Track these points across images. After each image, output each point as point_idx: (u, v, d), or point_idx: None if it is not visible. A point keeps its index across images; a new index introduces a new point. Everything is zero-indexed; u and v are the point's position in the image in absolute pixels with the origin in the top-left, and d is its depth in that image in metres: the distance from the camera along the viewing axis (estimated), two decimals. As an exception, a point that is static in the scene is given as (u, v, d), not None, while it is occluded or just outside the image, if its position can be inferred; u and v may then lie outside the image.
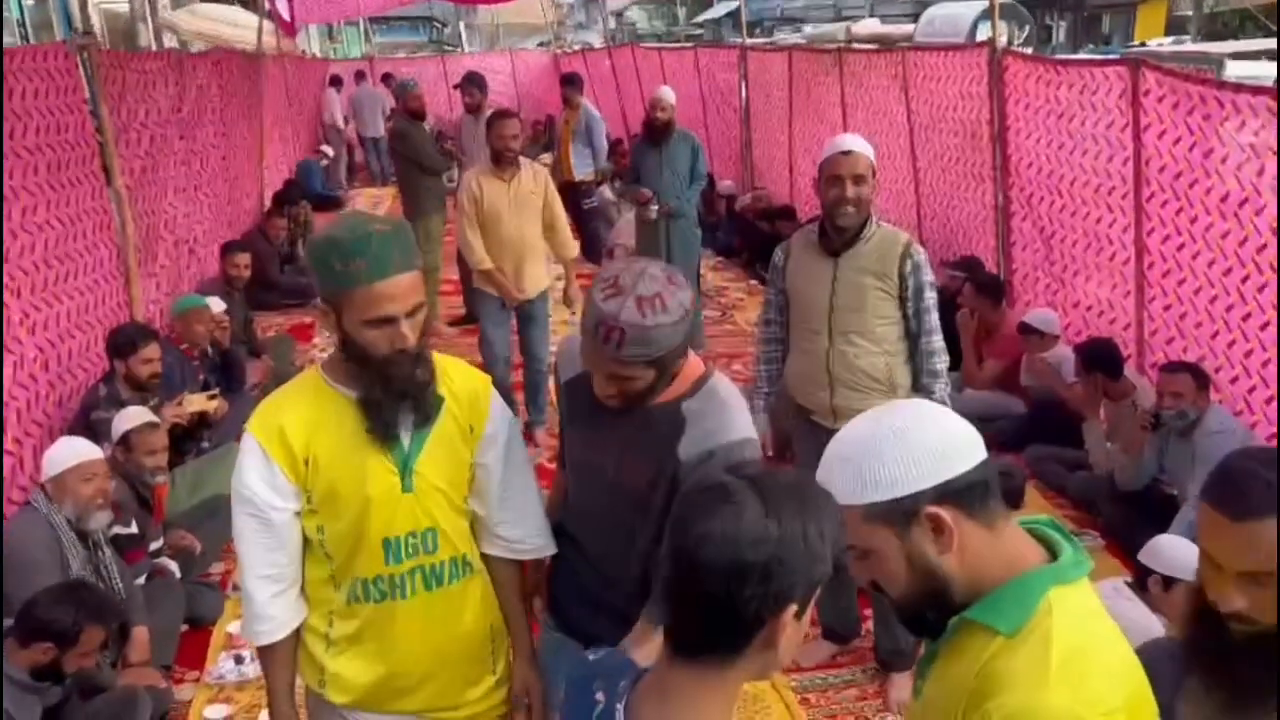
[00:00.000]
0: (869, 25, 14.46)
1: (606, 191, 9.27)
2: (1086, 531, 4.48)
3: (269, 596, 1.89)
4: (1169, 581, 3.05)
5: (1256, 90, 4.32)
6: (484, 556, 2.04)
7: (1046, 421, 5.20)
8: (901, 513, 1.24)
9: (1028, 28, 15.17)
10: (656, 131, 6.52)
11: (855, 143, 3.17)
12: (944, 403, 3.29)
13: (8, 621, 2.96)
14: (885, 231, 3.22)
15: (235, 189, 8.64)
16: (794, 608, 1.13)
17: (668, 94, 6.62)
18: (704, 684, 1.16)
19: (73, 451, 3.54)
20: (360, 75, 15.83)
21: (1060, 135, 5.60)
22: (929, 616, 1.30)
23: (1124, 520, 4.34)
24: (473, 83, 7.47)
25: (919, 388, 3.24)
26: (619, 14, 45.83)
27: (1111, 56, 5.38)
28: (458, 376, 1.97)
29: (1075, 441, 4.94)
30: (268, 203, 9.09)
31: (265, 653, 1.96)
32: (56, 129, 4.78)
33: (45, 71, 4.74)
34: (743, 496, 1.12)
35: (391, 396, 1.82)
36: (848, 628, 3.75)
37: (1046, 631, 1.19)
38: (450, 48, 33.27)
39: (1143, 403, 4.56)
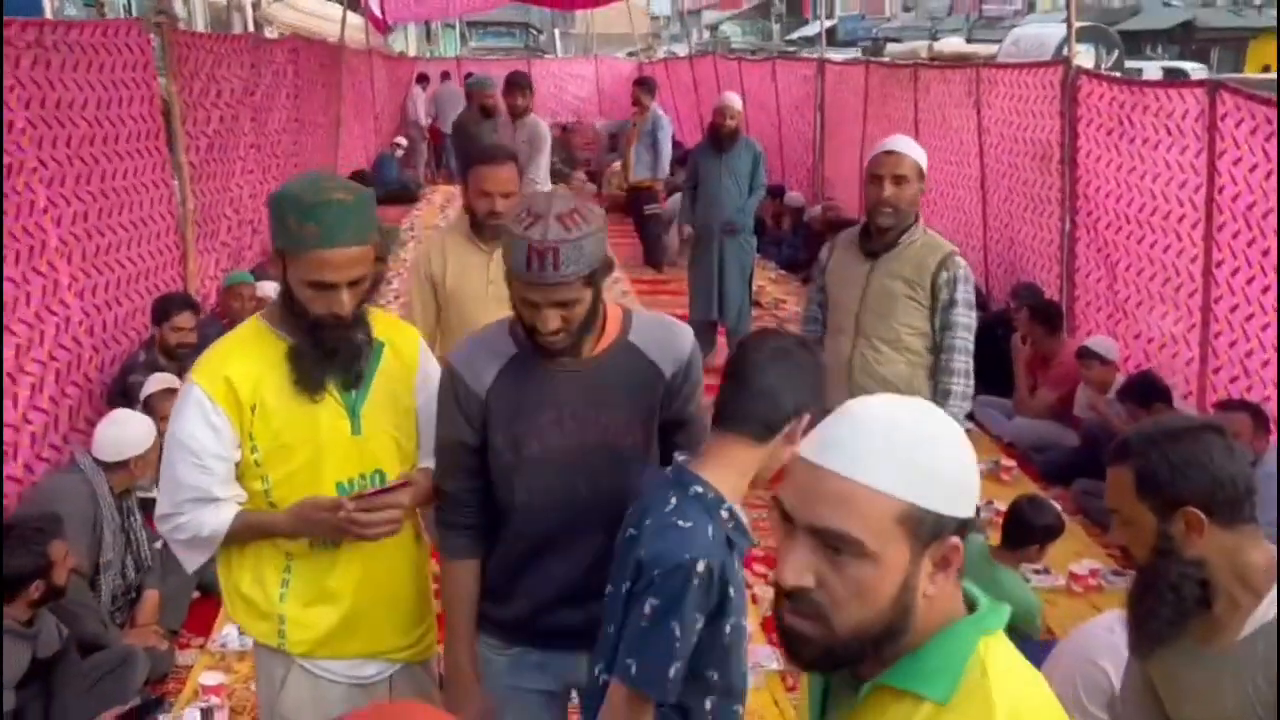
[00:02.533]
0: (953, 44, 14.19)
1: (674, 204, 9.24)
2: (1131, 573, 4.25)
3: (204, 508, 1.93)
4: None
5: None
6: None
7: (1098, 455, 4.95)
8: (934, 531, 1.02)
9: (1116, 52, 14.69)
10: (721, 138, 6.45)
11: (902, 144, 3.10)
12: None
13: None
14: (929, 239, 3.14)
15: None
16: (809, 417, 1.63)
17: (734, 100, 6.55)
18: (736, 447, 1.66)
19: (145, 435, 3.63)
20: (446, 74, 16.08)
21: (1132, 159, 5.36)
22: (864, 655, 1.06)
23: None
24: (515, 84, 6.70)
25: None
26: (713, 28, 45.95)
27: (1190, 80, 5.13)
28: (395, 325, 2.09)
29: (1126, 479, 4.71)
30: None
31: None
32: (121, 102, 4.92)
33: (116, 46, 4.89)
34: (792, 340, 1.74)
35: (319, 353, 1.88)
36: None
37: (986, 696, 1.01)
38: (544, 54, 33.67)
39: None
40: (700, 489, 1.64)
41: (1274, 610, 1.56)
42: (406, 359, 2.05)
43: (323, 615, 2.00)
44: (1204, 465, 1.58)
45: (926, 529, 1.02)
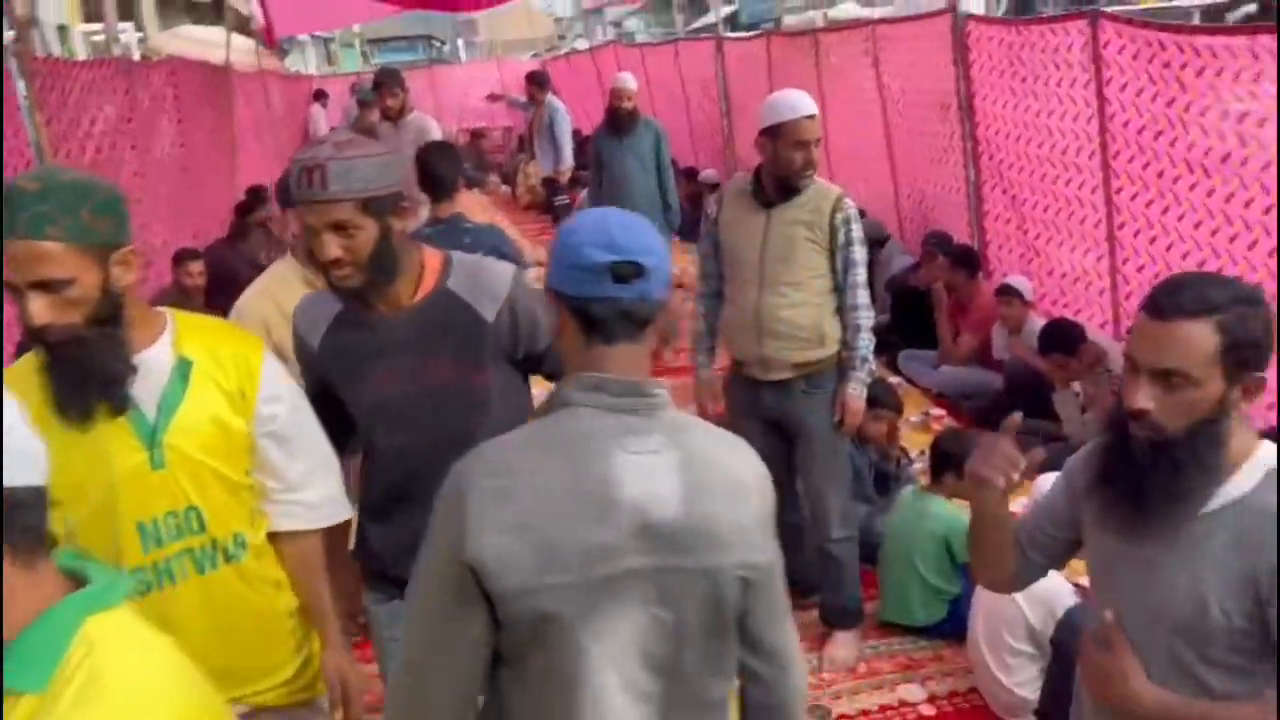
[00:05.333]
0: (847, 9, 14.29)
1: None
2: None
3: None
4: None
5: (1218, 31, 4.10)
6: (276, 535, 1.85)
7: (1022, 394, 4.97)
8: None
9: (1004, 1, 14.94)
10: (620, 120, 6.35)
11: (813, 105, 3.13)
12: (866, 359, 3.22)
13: None
14: (818, 185, 3.19)
15: (200, 200, 8.52)
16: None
17: (628, 81, 6.45)
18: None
19: None
20: (355, 87, 15.81)
21: (1027, 98, 5.39)
22: None
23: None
24: (384, 84, 6.15)
25: (844, 342, 3.22)
26: (617, 23, 45.91)
27: (1072, 12, 5.17)
28: (221, 338, 1.80)
29: (1053, 414, 4.74)
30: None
31: None
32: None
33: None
34: None
35: (62, 374, 1.59)
36: (800, 585, 3.57)
37: (92, 669, 0.98)
38: (449, 64, 33.31)
39: (1115, 369, 4.34)
40: None
41: (1246, 488, 1.48)
42: (232, 375, 1.76)
43: None
44: (1270, 333, 1.48)
45: None
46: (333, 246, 1.78)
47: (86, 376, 1.60)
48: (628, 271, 1.31)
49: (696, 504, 1.31)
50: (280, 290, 2.60)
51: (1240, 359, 1.44)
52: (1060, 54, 4.98)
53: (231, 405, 1.75)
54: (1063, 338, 4.56)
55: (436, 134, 6.33)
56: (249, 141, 11.33)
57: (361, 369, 1.92)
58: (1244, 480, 1.50)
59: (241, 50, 13.34)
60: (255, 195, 9.19)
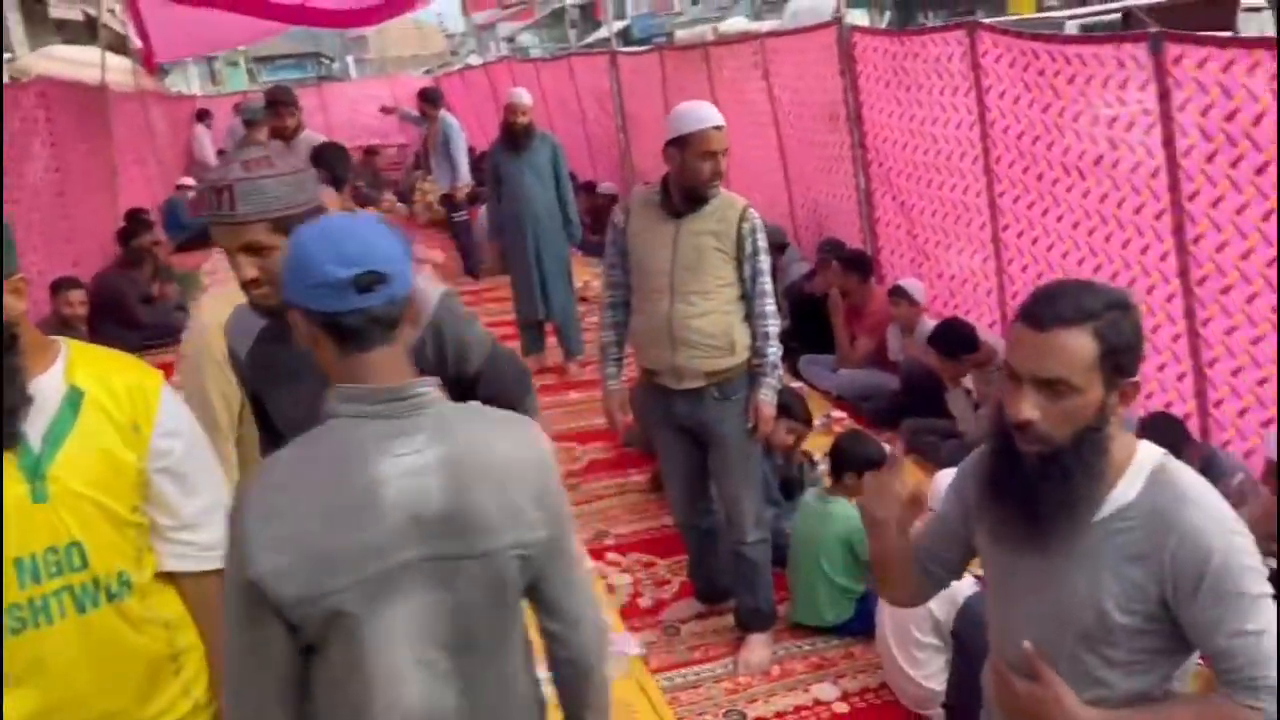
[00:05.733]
0: (737, 23, 14.57)
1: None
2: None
3: None
4: None
5: (1086, 40, 4.31)
6: (177, 575, 1.76)
7: (918, 394, 5.12)
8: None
9: (888, 13, 15.44)
10: (515, 136, 6.33)
11: (720, 116, 3.17)
12: (776, 365, 3.27)
13: None
14: (725, 195, 3.23)
15: (78, 226, 8.17)
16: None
17: (523, 95, 6.44)
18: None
19: None
20: (238, 107, 15.38)
21: (911, 107, 5.57)
22: None
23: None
24: (278, 102, 5.96)
25: (754, 349, 3.26)
26: (511, 39, 45.80)
27: (951, 23, 5.38)
28: (116, 369, 1.70)
29: (948, 412, 4.89)
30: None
31: None
32: None
33: None
34: None
35: None
36: (716, 590, 3.73)
37: None
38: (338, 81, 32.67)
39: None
40: None
41: (1132, 492, 1.49)
42: (125, 407, 1.67)
43: (15, 707, 1.64)
44: (1141, 337, 1.51)
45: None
46: (248, 267, 1.77)
47: None
48: (370, 281, 1.37)
49: (463, 495, 1.40)
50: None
51: (1117, 364, 1.46)
52: (942, 64, 5.17)
53: (123, 438, 1.66)
54: (953, 337, 4.70)
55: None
56: (129, 165, 10.91)
57: (281, 385, 1.89)
58: (1129, 485, 1.51)
59: (118, 70, 12.83)
60: (137, 219, 8.84)
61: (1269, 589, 1.44)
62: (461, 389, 2.04)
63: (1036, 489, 1.49)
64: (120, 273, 7.84)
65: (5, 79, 13.85)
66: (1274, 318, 3.52)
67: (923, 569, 1.79)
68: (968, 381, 4.73)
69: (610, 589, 4.05)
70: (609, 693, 1.68)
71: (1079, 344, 1.44)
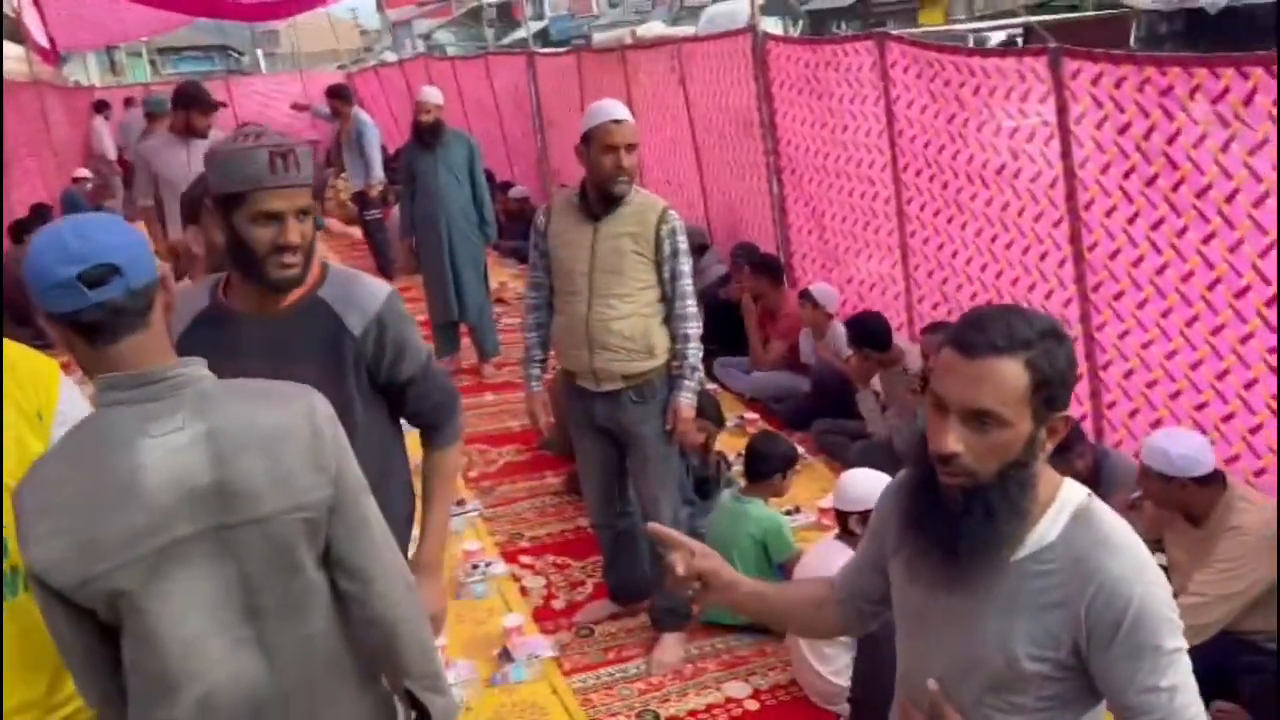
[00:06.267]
0: (654, 28, 14.66)
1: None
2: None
3: None
4: (866, 516, 3.04)
5: (989, 54, 4.46)
6: None
7: (828, 396, 5.22)
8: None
9: (800, 22, 15.72)
10: (425, 133, 6.26)
11: (623, 110, 3.16)
12: (695, 368, 3.30)
13: None
14: (644, 197, 3.24)
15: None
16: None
17: (431, 94, 6.37)
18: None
19: None
20: (129, 100, 14.84)
21: (823, 114, 5.68)
22: None
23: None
24: (190, 99, 5.37)
25: (674, 351, 3.28)
26: (427, 36, 45.16)
27: (859, 34, 5.50)
28: (19, 357, 1.69)
29: (858, 413, 4.99)
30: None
31: None
32: None
33: None
34: None
35: None
36: (631, 591, 3.73)
37: None
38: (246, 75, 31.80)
39: (912, 368, 4.62)
40: None
41: (1053, 533, 1.42)
42: (30, 396, 1.68)
43: None
44: (1074, 370, 1.42)
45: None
46: (296, 231, 1.83)
47: None
48: (99, 275, 1.39)
49: (230, 466, 1.44)
50: None
51: (1049, 397, 1.37)
52: (853, 73, 5.28)
53: (30, 427, 1.66)
54: (868, 329, 4.73)
55: None
56: (23, 157, 10.45)
57: (220, 368, 1.84)
58: (1051, 525, 1.43)
59: (12, 58, 12.29)
60: (39, 213, 8.56)
61: (1184, 643, 1.39)
62: (389, 395, 2.03)
63: (957, 525, 1.41)
64: (16, 269, 7.51)
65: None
66: (1162, 322, 3.69)
67: (854, 608, 1.72)
68: (876, 384, 4.84)
69: (524, 591, 4.03)
70: (431, 655, 1.69)
71: (1010, 374, 1.35)
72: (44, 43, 13.48)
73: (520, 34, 37.01)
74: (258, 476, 1.46)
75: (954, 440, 1.37)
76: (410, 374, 2.03)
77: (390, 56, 19.35)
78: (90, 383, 1.49)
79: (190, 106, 5.39)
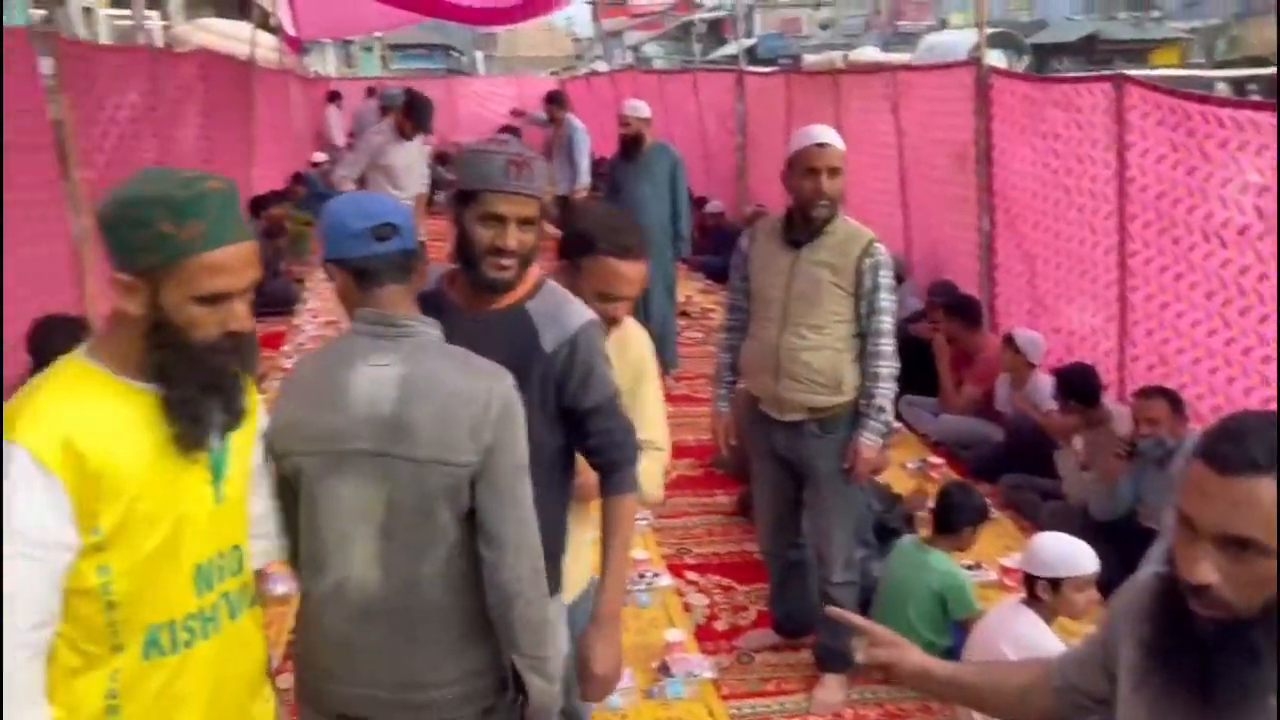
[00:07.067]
0: (868, 53, 14.42)
1: None
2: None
3: (31, 661, 1.44)
4: (1056, 584, 2.89)
5: (1243, 105, 4.14)
6: None
7: (1023, 449, 4.98)
8: None
9: (1026, 58, 15.08)
10: (625, 145, 6.40)
11: (829, 134, 3.13)
12: (883, 409, 3.19)
13: None
14: (850, 227, 3.18)
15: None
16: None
17: (635, 106, 6.51)
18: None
19: None
20: (371, 91, 15.86)
21: (1046, 155, 5.43)
22: None
23: (1098, 553, 4.11)
24: (423, 110, 6.57)
25: (863, 389, 3.19)
26: (635, 48, 46.18)
27: (1095, 75, 5.23)
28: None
29: (1053, 471, 4.73)
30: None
31: None
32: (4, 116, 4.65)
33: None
34: None
35: (206, 391, 1.52)
36: (796, 624, 3.68)
37: None
38: (466, 75, 33.44)
39: (1120, 431, 4.34)
40: None
41: None
42: (253, 408, 1.73)
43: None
44: None
45: None
46: (515, 238, 1.94)
47: (236, 382, 1.60)
48: (386, 231, 1.79)
49: (408, 407, 1.70)
50: None
51: None
52: (1084, 114, 5.02)
53: (250, 435, 1.72)
54: (1082, 382, 4.46)
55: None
56: (266, 141, 11.34)
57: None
58: None
59: (265, 47, 13.38)
60: (275, 192, 9.20)
61: None
62: (572, 423, 2.02)
63: (1213, 663, 1.24)
64: (263, 242, 8.17)
65: (159, 44, 14.57)
66: None
67: (1071, 700, 1.57)
68: (1077, 443, 4.57)
69: (687, 608, 4.04)
70: (542, 640, 1.81)
71: (1275, 496, 1.17)
72: (292, 32, 14.61)
73: (727, 49, 37.29)
74: (424, 423, 1.69)
75: (1208, 569, 1.21)
76: (595, 402, 2.00)
77: (601, 66, 19.94)
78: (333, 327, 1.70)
79: (408, 115, 6.42)
